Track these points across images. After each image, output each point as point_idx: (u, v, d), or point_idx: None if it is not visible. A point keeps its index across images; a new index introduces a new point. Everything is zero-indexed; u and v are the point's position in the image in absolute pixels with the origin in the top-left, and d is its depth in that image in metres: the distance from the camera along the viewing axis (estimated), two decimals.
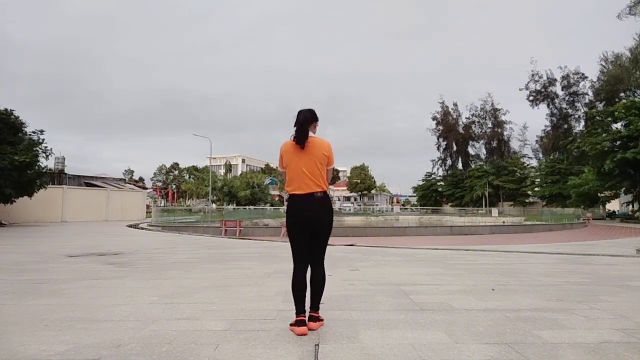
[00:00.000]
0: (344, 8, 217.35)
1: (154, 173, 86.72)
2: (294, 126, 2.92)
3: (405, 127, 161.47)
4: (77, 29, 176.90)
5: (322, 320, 2.93)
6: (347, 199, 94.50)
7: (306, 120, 2.92)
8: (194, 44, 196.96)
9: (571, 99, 52.68)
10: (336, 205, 79.32)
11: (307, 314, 2.85)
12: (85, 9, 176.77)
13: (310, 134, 2.95)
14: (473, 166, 63.60)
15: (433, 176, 69.10)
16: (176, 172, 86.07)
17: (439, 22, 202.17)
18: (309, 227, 2.85)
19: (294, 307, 2.82)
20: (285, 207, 3.15)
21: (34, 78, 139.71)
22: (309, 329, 2.78)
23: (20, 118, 21.84)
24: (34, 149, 21.55)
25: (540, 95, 54.21)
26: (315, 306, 2.90)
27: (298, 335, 2.72)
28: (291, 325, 2.85)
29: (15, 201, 21.91)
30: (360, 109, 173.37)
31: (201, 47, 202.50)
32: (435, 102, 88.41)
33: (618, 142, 31.29)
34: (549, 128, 54.90)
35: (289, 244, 2.96)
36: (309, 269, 2.93)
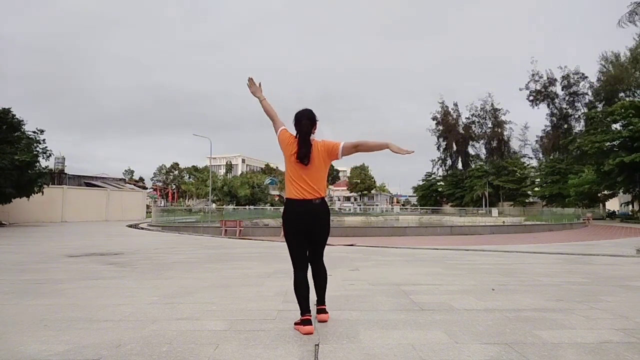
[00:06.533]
0: (341, 6, 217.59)
1: (154, 173, 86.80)
2: (296, 136, 2.83)
3: (401, 126, 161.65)
4: (69, 25, 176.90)
5: (327, 313, 3.05)
6: (347, 199, 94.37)
7: (308, 132, 2.79)
8: (191, 43, 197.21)
9: (571, 99, 52.79)
10: (336, 206, 79.28)
11: (312, 315, 2.82)
12: (79, 6, 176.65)
13: (312, 136, 2.82)
14: (473, 166, 63.59)
15: (433, 176, 69.22)
16: (176, 172, 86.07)
17: (437, 20, 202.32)
18: (306, 232, 2.79)
19: (298, 307, 2.79)
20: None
21: (24, 75, 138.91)
22: (320, 321, 2.93)
23: (17, 116, 21.72)
24: (34, 148, 21.48)
25: (541, 95, 54.31)
26: (322, 300, 3.00)
27: (304, 334, 2.70)
28: (296, 324, 2.83)
29: (14, 200, 21.85)
30: (355, 108, 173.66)
31: (199, 45, 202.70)
32: (432, 100, 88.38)
33: (617, 142, 31.32)
34: (549, 128, 55.04)
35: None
36: (309, 269, 2.90)
